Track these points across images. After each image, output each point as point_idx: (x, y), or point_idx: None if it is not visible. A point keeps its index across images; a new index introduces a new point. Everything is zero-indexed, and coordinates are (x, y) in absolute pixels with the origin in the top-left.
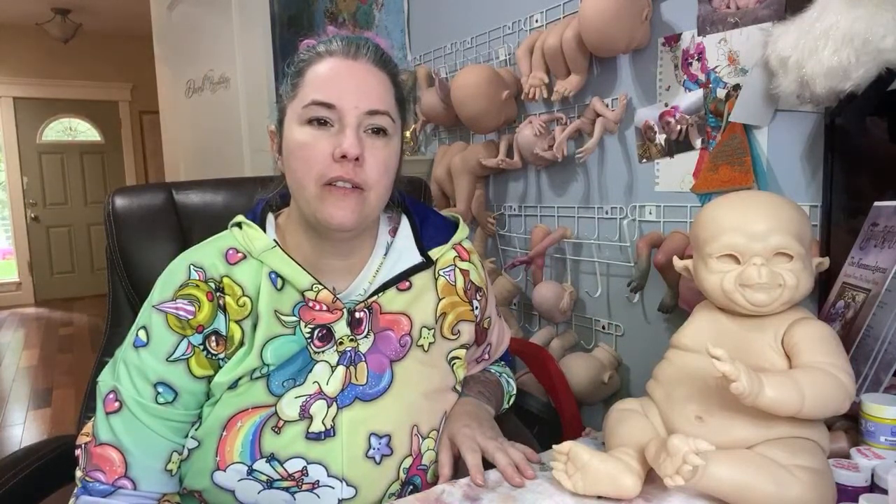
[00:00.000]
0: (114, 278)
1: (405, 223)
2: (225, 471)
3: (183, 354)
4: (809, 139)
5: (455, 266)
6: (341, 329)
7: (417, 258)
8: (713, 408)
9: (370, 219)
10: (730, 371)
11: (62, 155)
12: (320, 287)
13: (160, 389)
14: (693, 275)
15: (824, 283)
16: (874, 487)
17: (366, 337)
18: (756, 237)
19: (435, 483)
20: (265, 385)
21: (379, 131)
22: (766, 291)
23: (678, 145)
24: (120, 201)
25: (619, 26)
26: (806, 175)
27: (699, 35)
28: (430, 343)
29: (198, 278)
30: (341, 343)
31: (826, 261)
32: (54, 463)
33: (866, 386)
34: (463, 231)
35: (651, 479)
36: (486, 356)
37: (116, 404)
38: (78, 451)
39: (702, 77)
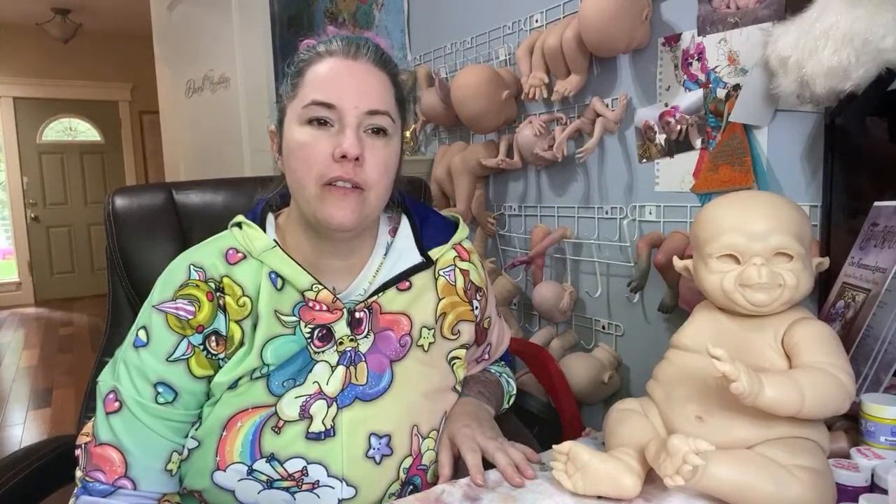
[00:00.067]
0: (114, 278)
1: (405, 223)
2: (225, 471)
3: (183, 354)
4: (809, 139)
5: (455, 266)
6: (341, 329)
7: (417, 258)
8: (713, 408)
9: (370, 219)
10: (730, 371)
11: (62, 155)
12: (320, 287)
13: (160, 389)
14: (693, 275)
15: (824, 283)
16: (874, 487)
17: (366, 337)
18: (756, 237)
19: (435, 483)
20: (265, 385)
21: (379, 131)
22: (766, 291)
23: (678, 145)
24: (120, 201)
25: (619, 26)
26: (806, 175)
27: (699, 35)
28: (430, 343)
29: (198, 278)
30: (341, 343)
31: (826, 261)
32: (54, 463)
33: (866, 386)
34: (463, 231)
35: (651, 479)
36: (486, 356)
37: (116, 404)
38: (78, 451)
39: (702, 77)
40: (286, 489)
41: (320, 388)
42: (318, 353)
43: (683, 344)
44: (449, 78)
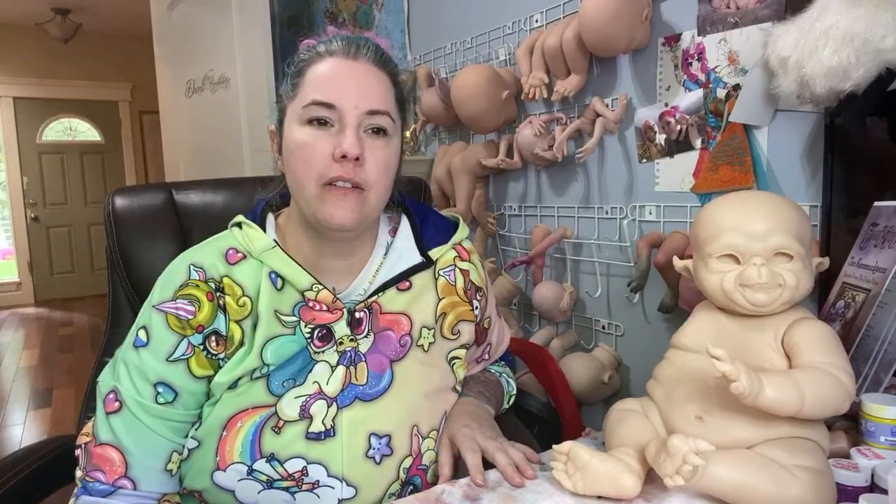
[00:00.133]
0: (114, 278)
1: (405, 223)
2: (225, 471)
3: (183, 354)
4: (809, 139)
5: (455, 266)
6: (341, 329)
7: (417, 258)
8: (713, 408)
9: (370, 219)
10: (730, 371)
11: (62, 155)
12: (320, 287)
13: (160, 389)
14: (693, 275)
15: (824, 283)
16: (874, 487)
17: (366, 337)
18: (756, 237)
19: (435, 483)
20: (265, 385)
21: (379, 131)
22: (766, 291)
23: (678, 145)
24: (120, 201)
25: (619, 26)
26: (806, 175)
27: (699, 35)
28: (430, 343)
29: (198, 278)
30: (341, 343)
31: (826, 261)
32: (54, 463)
33: (866, 386)
34: (463, 231)
35: (651, 479)
36: (486, 356)
37: (116, 404)
38: (78, 451)
39: (702, 77)
40: (286, 489)
41: (320, 388)
42: (318, 353)
43: (683, 344)
44: (449, 78)
